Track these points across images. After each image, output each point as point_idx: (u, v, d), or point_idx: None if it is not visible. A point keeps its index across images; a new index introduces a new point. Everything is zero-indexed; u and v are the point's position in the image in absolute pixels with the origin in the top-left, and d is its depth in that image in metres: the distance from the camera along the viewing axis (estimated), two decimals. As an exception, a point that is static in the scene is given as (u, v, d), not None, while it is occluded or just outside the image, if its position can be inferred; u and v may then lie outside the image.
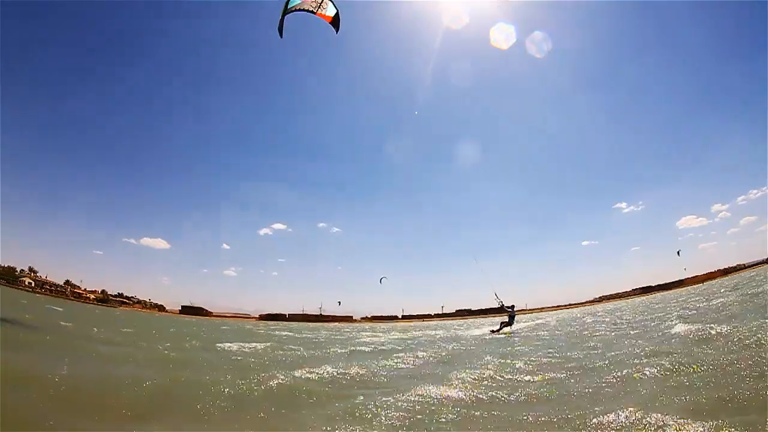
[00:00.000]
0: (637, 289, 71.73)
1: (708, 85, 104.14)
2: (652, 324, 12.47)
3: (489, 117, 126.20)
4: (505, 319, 18.06)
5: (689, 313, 13.68)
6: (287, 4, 8.27)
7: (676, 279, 66.27)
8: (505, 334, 17.13)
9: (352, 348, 12.57)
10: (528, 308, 73.82)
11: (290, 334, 23.47)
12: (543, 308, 74.22)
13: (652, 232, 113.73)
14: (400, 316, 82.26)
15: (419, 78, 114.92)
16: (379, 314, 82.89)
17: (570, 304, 73.66)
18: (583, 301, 74.83)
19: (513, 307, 18.35)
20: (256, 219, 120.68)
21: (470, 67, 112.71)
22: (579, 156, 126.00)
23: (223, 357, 9.33)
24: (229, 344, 12.23)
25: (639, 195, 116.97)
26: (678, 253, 61.55)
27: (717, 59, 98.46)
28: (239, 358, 9.17)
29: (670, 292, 53.75)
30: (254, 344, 12.61)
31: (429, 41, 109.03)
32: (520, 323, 22.68)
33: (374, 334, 23.91)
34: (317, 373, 6.58)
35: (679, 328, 9.01)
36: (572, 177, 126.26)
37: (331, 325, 57.43)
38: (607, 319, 19.20)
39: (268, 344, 13.04)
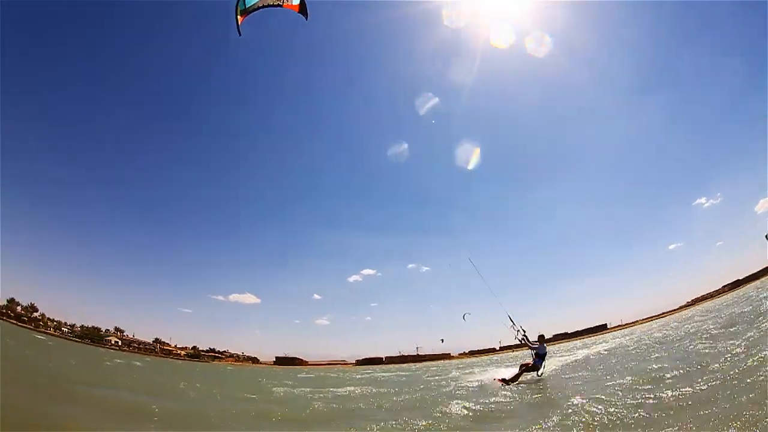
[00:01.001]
0: (726, 285, 65.02)
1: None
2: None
3: (563, 138, 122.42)
4: (527, 359, 13.29)
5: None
6: (239, 3, 7.92)
7: (764, 266, 59.76)
8: (520, 383, 11.93)
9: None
10: (623, 323, 70.06)
11: (362, 376, 23.70)
12: (636, 322, 69.16)
13: (733, 223, 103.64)
14: (497, 348, 78.88)
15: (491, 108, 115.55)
16: (477, 348, 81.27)
17: (663, 314, 67.54)
18: (675, 308, 68.33)
19: (542, 339, 13.24)
20: (345, 267, 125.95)
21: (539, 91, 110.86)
22: (651, 158, 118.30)
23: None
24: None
25: (716, 187, 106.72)
26: (767, 237, 57.00)
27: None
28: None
29: (759, 281, 49.26)
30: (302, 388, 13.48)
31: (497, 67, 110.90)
32: (570, 354, 20.28)
33: (463, 371, 22.14)
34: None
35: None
36: (649, 180, 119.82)
37: (429, 364, 55.39)
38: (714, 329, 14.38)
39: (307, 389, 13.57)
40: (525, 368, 12.51)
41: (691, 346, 11.58)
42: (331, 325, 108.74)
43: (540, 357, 12.62)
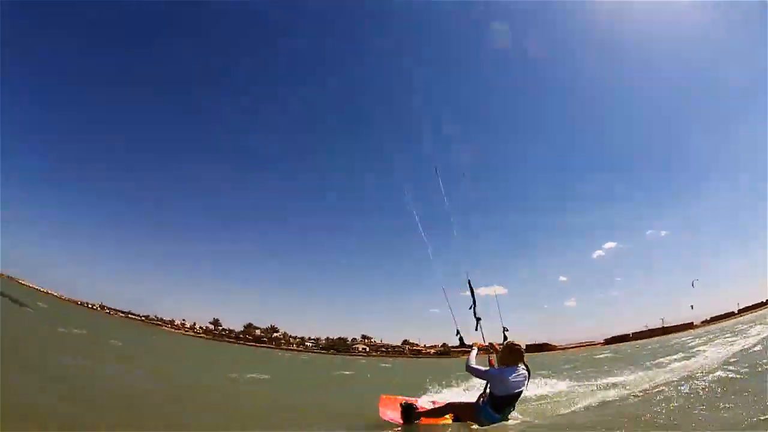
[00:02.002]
0: None
1: None
2: None
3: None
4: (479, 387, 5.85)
5: None
6: None
7: None
8: None
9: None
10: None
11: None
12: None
13: None
14: (736, 311, 69.78)
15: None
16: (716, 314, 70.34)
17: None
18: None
19: (512, 353, 4.99)
20: (588, 243, 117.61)
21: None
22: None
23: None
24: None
25: None
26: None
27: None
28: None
29: None
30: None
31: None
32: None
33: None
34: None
35: None
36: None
37: (668, 337, 44.83)
38: None
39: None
40: (450, 410, 5.29)
41: None
42: (578, 306, 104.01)
43: (494, 401, 4.83)
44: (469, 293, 6.26)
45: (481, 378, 5.11)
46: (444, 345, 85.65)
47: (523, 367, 4.92)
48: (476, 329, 6.01)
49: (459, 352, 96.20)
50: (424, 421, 5.33)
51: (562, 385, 8.35)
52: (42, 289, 70.47)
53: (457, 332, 6.18)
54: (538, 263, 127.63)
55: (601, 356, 23.84)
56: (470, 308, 6.19)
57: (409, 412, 5.29)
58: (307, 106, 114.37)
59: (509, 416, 4.90)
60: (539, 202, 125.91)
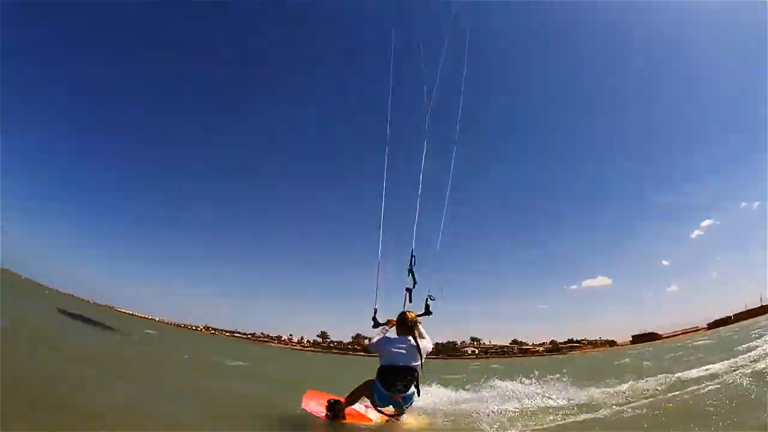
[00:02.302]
0: None
1: None
2: None
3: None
4: None
5: None
6: None
7: None
8: None
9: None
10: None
11: None
12: None
13: None
14: None
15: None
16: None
17: None
18: None
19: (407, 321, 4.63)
20: (685, 223, 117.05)
21: None
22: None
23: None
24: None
25: None
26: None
27: None
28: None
29: None
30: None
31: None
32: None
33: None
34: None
35: None
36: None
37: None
38: None
39: None
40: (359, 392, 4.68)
41: None
42: (681, 290, 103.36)
43: (380, 373, 4.48)
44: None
45: (372, 350, 4.77)
46: (552, 342, 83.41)
47: (412, 339, 4.53)
48: (409, 301, 5.29)
49: (568, 347, 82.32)
50: (348, 417, 4.72)
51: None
52: (148, 317, 77.64)
53: (375, 311, 5.15)
54: (639, 251, 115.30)
55: (698, 343, 24.10)
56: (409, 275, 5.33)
57: (334, 408, 4.62)
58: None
59: (406, 406, 4.54)
60: (629, 186, 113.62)
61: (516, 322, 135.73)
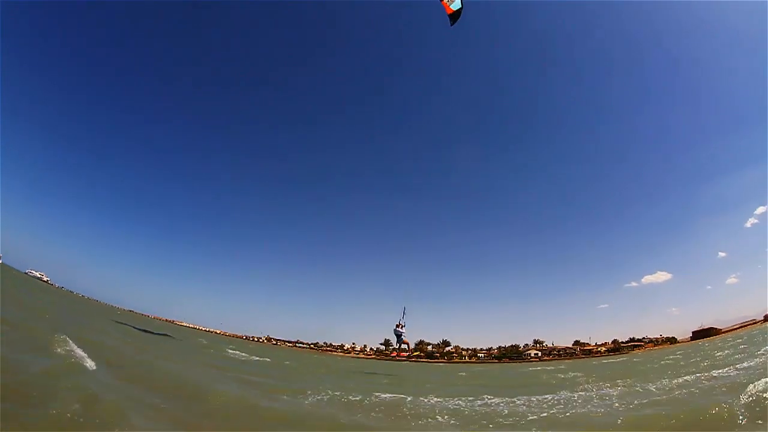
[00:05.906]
0: None
1: None
2: None
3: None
4: None
5: None
6: None
7: None
8: None
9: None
10: None
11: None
12: None
13: None
14: None
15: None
16: None
17: None
18: None
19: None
20: (739, 212, 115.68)
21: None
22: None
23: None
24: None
25: None
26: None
27: None
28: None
29: None
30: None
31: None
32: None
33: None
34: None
35: None
36: None
37: None
38: None
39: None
40: None
41: None
42: (740, 282, 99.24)
43: None
44: None
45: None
46: (615, 341, 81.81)
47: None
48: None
49: (630, 346, 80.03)
50: None
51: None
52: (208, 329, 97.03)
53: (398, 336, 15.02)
54: (696, 242, 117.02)
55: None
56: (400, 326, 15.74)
57: None
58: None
59: None
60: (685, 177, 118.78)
61: (576, 324, 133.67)
